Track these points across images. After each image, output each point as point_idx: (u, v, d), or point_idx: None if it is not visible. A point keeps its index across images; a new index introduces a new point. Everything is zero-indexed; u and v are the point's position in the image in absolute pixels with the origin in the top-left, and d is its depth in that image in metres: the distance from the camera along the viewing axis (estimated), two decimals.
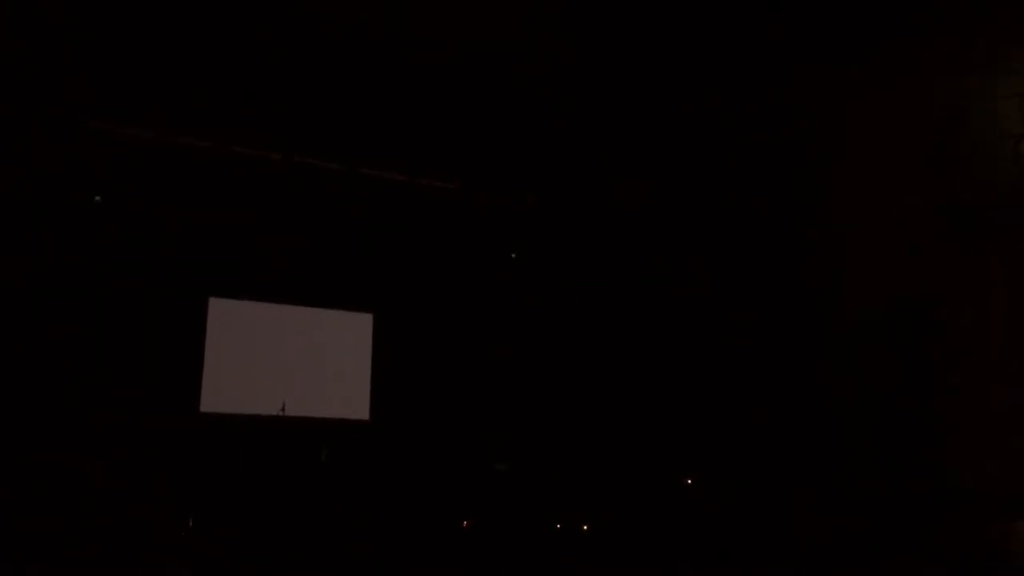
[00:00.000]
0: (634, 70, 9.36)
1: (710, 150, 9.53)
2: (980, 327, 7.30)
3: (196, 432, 8.01)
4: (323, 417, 8.77)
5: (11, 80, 7.40)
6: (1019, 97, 7.19)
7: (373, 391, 9.16)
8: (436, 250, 9.38)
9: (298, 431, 8.34)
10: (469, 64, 8.98)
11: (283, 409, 8.23)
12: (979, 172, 7.45)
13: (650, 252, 9.61)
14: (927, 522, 7.12)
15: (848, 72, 8.60)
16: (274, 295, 8.92)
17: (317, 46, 8.48)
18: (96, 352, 7.66)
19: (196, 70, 8.14)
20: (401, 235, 9.23)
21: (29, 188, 7.47)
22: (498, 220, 9.64)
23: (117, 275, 7.91)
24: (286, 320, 9.09)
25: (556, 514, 8.20)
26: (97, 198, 7.99)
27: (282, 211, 8.75)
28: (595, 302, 9.60)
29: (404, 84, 8.88)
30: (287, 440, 8.20)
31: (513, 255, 9.69)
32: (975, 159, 7.46)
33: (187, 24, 8.01)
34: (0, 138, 7.35)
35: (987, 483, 6.89)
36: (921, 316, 7.77)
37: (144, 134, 8.23)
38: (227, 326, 8.76)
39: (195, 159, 8.47)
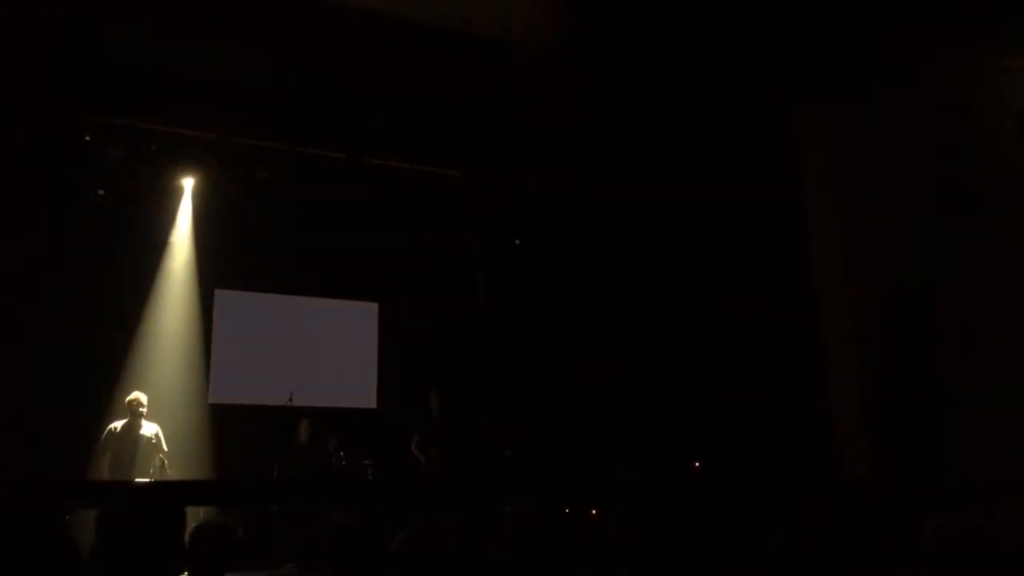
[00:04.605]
0: (634, 69, 9.35)
1: (710, 150, 9.53)
2: (981, 326, 7.30)
3: (204, 422, 8.03)
4: (330, 406, 8.79)
5: (11, 80, 7.40)
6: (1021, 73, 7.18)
7: (380, 379, 9.18)
8: (439, 238, 9.39)
9: (306, 420, 8.33)
10: (471, 60, 8.97)
11: (290, 399, 8.20)
12: (979, 171, 7.45)
13: (650, 252, 9.61)
14: (927, 522, 7.11)
15: (848, 72, 8.60)
16: (279, 286, 8.93)
17: (318, 37, 8.46)
18: (98, 350, 7.66)
19: (196, 64, 8.13)
20: (404, 224, 9.24)
21: (30, 187, 7.47)
22: (500, 208, 9.65)
23: (118, 269, 7.93)
24: (291, 310, 9.09)
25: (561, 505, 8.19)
26: (100, 192, 8.00)
27: (285, 202, 8.76)
28: (594, 300, 9.60)
29: (406, 76, 8.87)
30: (294, 429, 8.19)
31: (517, 242, 9.70)
32: (975, 159, 7.46)
33: (186, 20, 7.99)
34: (0, 138, 7.35)
35: (987, 482, 6.89)
36: (921, 314, 7.76)
37: (146, 127, 8.24)
38: (233, 317, 8.77)
39: (197, 151, 8.47)
